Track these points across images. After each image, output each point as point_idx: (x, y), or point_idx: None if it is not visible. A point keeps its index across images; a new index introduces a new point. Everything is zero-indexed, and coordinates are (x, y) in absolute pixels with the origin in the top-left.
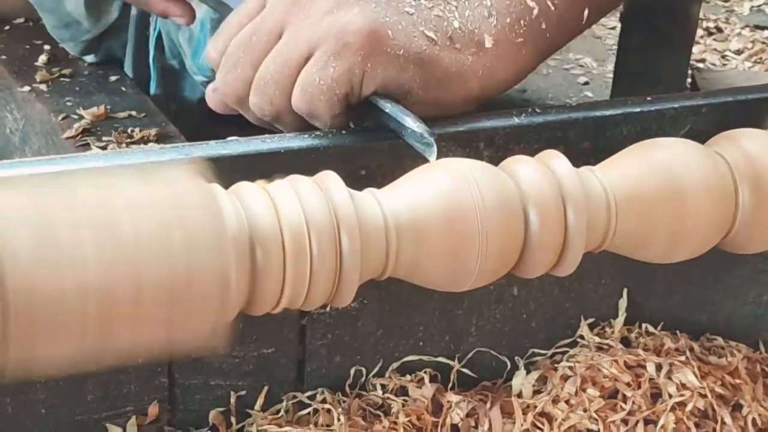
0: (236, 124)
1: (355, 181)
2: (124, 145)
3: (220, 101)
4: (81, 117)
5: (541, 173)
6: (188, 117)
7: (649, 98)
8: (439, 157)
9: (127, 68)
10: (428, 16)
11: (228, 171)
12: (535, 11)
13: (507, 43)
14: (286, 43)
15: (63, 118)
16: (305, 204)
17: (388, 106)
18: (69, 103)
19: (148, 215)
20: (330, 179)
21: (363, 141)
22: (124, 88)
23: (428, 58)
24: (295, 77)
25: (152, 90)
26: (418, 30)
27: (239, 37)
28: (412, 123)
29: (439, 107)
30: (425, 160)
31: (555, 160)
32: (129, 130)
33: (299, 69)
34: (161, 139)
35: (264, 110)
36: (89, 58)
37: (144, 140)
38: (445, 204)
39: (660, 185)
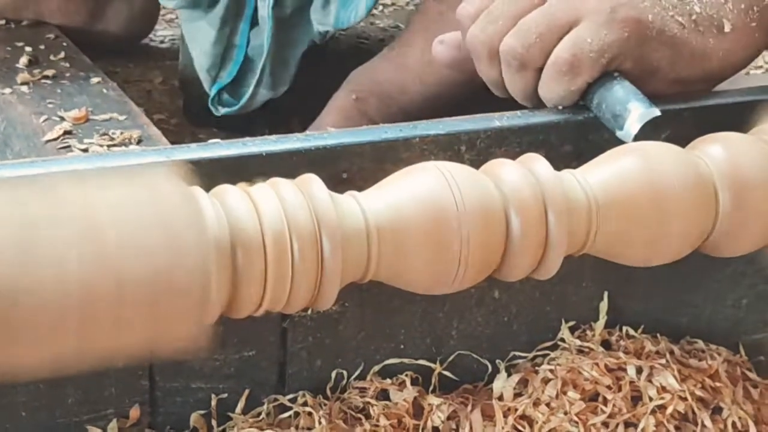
0: (217, 126)
1: (337, 184)
2: (105, 147)
3: (448, 54)
4: (62, 119)
5: (522, 177)
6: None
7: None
8: (420, 160)
9: (212, 19)
10: (672, 1)
11: (209, 174)
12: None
13: (743, 27)
14: (553, 5)
15: (44, 121)
16: (286, 207)
17: (625, 84)
18: (50, 105)
19: (130, 218)
20: (311, 182)
21: (344, 144)
22: (105, 90)
23: (679, 40)
24: (559, 36)
25: (266, 40)
26: (668, 14)
27: (501, 1)
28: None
29: (682, 84)
30: (406, 164)
31: (536, 163)
32: (110, 133)
33: (564, 30)
34: (143, 141)
35: (515, 54)
36: (172, 4)
37: (126, 142)
38: (426, 207)
39: (641, 189)
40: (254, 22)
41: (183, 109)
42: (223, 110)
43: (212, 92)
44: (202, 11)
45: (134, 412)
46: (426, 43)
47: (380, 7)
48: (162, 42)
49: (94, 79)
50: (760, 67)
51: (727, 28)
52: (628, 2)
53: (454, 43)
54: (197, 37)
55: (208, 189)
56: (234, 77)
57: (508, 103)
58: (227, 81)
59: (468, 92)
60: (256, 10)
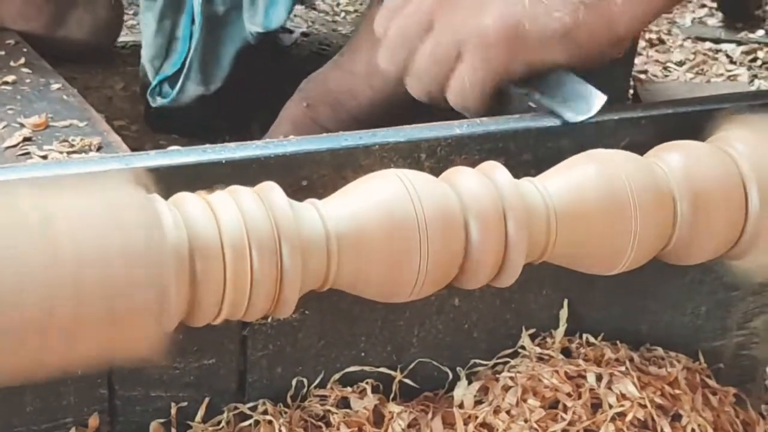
0: (177, 132)
1: (297, 191)
2: (65, 154)
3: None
4: (22, 126)
5: (481, 184)
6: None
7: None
8: (380, 168)
9: (154, 11)
10: None
11: (168, 181)
12: None
13: None
14: (436, 36)
15: (3, 127)
16: (246, 215)
17: (529, 95)
18: (10, 112)
19: (87, 225)
20: (271, 190)
21: (304, 151)
22: (65, 97)
23: (568, 29)
24: (448, 73)
25: (195, 35)
26: (550, 10)
27: (397, 22)
28: (556, 107)
29: (590, 60)
30: (366, 171)
31: (496, 171)
32: (70, 139)
33: (450, 66)
34: (103, 148)
35: (420, 97)
36: None
37: (85, 149)
38: (385, 215)
39: (600, 197)
40: None
41: (144, 116)
42: (159, 101)
43: (154, 82)
44: (152, 2)
45: (93, 421)
46: (372, 47)
47: (342, 14)
48: (123, 48)
49: (55, 86)
50: (721, 75)
51: None
52: (498, 17)
53: None
54: (145, 28)
55: (167, 197)
56: (177, 70)
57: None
58: (169, 73)
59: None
60: None
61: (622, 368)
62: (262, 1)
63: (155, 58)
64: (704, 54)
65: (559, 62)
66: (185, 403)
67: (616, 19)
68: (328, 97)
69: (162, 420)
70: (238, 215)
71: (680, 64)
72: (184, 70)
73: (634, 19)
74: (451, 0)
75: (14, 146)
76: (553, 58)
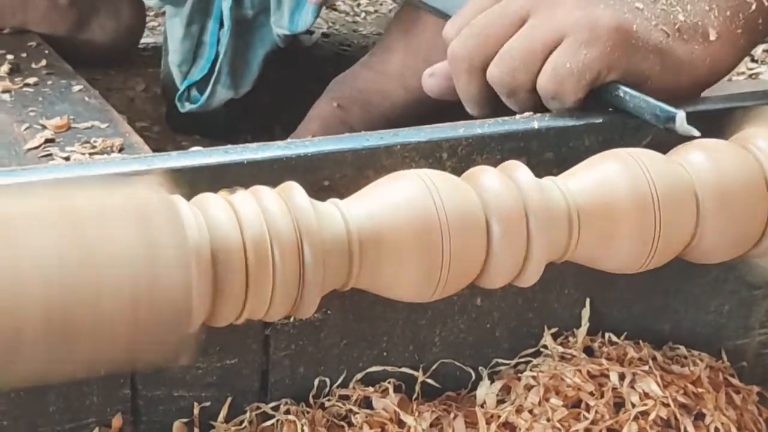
0: (199, 133)
1: (318, 191)
2: (87, 155)
3: (438, 85)
4: (44, 127)
5: (503, 184)
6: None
7: (610, 108)
8: (401, 168)
9: (182, 16)
10: (655, 11)
11: (190, 182)
12: (753, 6)
13: (728, 34)
14: (533, 26)
15: (26, 129)
16: (268, 215)
17: (629, 92)
18: (32, 114)
19: (110, 226)
20: (292, 190)
21: (326, 152)
22: (87, 98)
23: (665, 48)
24: (541, 58)
25: (224, 39)
26: (651, 24)
27: (484, 15)
28: (657, 102)
29: (670, 93)
30: (388, 171)
31: (517, 170)
32: (92, 141)
33: (546, 52)
34: (125, 149)
35: (503, 82)
36: (154, 3)
37: (107, 151)
38: (407, 215)
39: (622, 196)
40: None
41: (165, 117)
42: (188, 106)
43: (181, 88)
44: (179, 8)
45: (116, 421)
46: (406, 49)
47: (363, 14)
48: (144, 50)
49: (76, 87)
50: (742, 73)
51: (712, 36)
52: (610, 14)
53: (444, 73)
54: (172, 34)
55: (189, 197)
56: (205, 75)
57: None
58: (197, 78)
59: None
60: None
61: (645, 367)
62: (288, 5)
63: (183, 64)
64: None
65: (650, 76)
66: (208, 403)
67: (697, 62)
68: (359, 97)
69: (185, 420)
70: (260, 215)
71: None
72: (214, 75)
73: (714, 70)
74: None
75: (36, 148)
76: (649, 68)
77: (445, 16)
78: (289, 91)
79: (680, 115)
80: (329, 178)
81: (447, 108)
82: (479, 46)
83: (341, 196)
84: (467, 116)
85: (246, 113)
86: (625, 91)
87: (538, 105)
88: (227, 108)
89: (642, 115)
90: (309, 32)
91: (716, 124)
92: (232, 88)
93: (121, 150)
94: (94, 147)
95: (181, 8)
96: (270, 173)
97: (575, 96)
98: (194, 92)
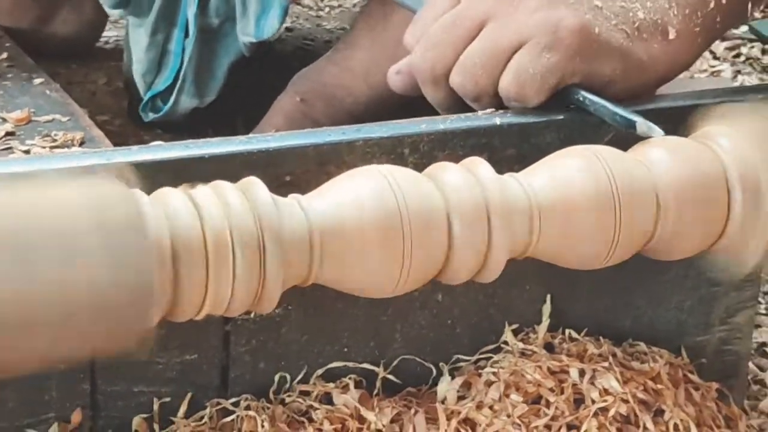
0: (161, 127)
1: (280, 186)
2: (47, 149)
3: (403, 82)
4: (4, 120)
5: (465, 180)
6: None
7: (572, 106)
8: (363, 163)
9: (146, 25)
10: (614, 9)
11: (151, 176)
12: (711, 4)
13: (687, 32)
14: (493, 30)
15: None
16: (228, 210)
17: (589, 97)
18: None
19: (70, 221)
20: (254, 185)
21: (288, 146)
22: (48, 92)
23: (625, 49)
24: (503, 63)
25: (188, 48)
26: (611, 23)
27: (442, 21)
28: (617, 109)
29: (630, 92)
30: (350, 167)
31: (479, 167)
32: (53, 134)
33: (508, 56)
34: (86, 143)
35: (466, 89)
36: (116, 13)
37: (68, 144)
38: (369, 211)
39: (583, 192)
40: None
41: (127, 111)
42: (152, 116)
43: (145, 98)
44: (143, 18)
45: (76, 416)
46: (371, 45)
47: (326, 9)
48: (107, 43)
49: (37, 80)
50: (705, 70)
51: (671, 35)
52: (572, 15)
53: (408, 71)
54: (137, 43)
55: (149, 192)
56: (169, 85)
57: None
58: (162, 88)
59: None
60: None
61: (605, 363)
62: (254, 11)
63: (147, 73)
64: None
65: (611, 77)
66: (168, 399)
67: (657, 61)
68: (323, 92)
69: (145, 415)
70: (221, 210)
71: None
72: (178, 83)
73: (672, 68)
74: (512, 0)
75: None
76: (610, 70)
77: (413, 10)
78: (251, 86)
79: (639, 122)
80: (291, 173)
81: (411, 104)
82: (439, 57)
83: (303, 192)
84: (432, 113)
85: (210, 120)
86: (584, 96)
87: (503, 105)
88: (192, 116)
89: (603, 118)
90: None
91: (677, 121)
92: (197, 97)
93: (81, 144)
94: (54, 140)
95: (145, 18)
96: (231, 168)
97: (537, 100)
98: (158, 102)
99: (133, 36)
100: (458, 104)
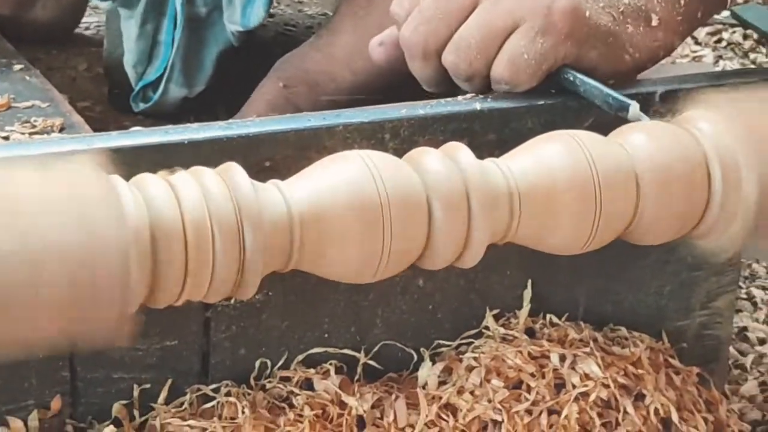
0: (142, 113)
1: (259, 172)
2: (27, 135)
3: (387, 54)
4: None
5: (445, 165)
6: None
7: (553, 90)
8: (343, 149)
9: (136, 16)
10: None
11: (130, 162)
12: None
13: (670, 20)
14: (488, 10)
15: None
16: (208, 196)
17: (580, 77)
18: None
19: (48, 206)
20: (233, 171)
21: (268, 132)
22: (28, 78)
23: (612, 34)
24: (498, 46)
25: (177, 37)
26: (599, 6)
27: None
28: (610, 91)
29: (612, 77)
30: (330, 152)
31: (459, 151)
32: (32, 120)
33: (502, 39)
34: (65, 129)
35: (459, 70)
36: (106, 5)
37: (47, 130)
38: (349, 196)
39: (563, 177)
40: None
41: (108, 97)
42: (142, 106)
43: (136, 88)
44: (133, 9)
45: (55, 403)
46: (354, 30)
47: None
48: (87, 29)
49: (17, 66)
50: (686, 56)
51: (654, 22)
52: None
53: (393, 42)
54: (128, 34)
55: (128, 178)
56: (160, 75)
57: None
58: (152, 78)
59: (398, 81)
60: None
61: (586, 349)
62: (240, 0)
63: (138, 64)
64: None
65: (598, 61)
66: (148, 385)
67: (640, 47)
68: (306, 78)
69: (125, 402)
70: (200, 196)
71: None
72: (167, 73)
73: (654, 55)
74: None
75: None
76: (597, 54)
77: None
78: (232, 72)
79: (634, 106)
80: (271, 158)
81: (395, 91)
82: (432, 33)
83: (283, 177)
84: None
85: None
86: (575, 76)
87: (490, 87)
88: (181, 106)
89: (592, 100)
90: None
91: (659, 106)
92: (185, 86)
93: (61, 130)
94: (34, 127)
95: (135, 9)
96: (211, 154)
97: (530, 84)
98: (149, 92)
99: (125, 28)
100: (445, 81)
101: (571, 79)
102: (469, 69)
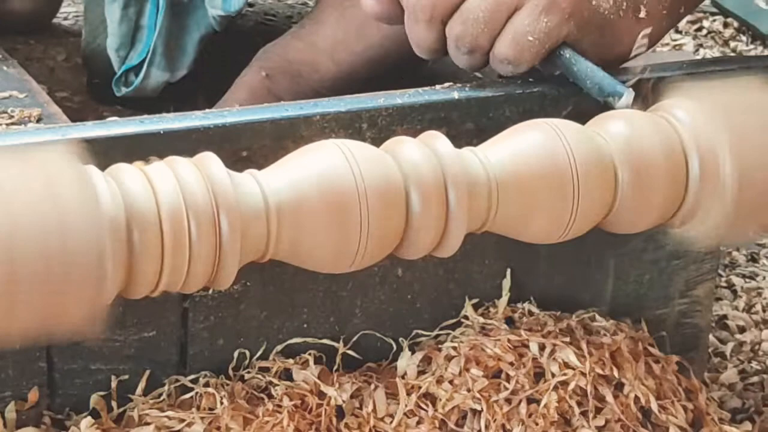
0: (121, 103)
1: (236, 162)
2: (4, 125)
3: (382, 9)
4: None
5: (422, 154)
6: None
7: (531, 79)
8: (321, 138)
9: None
10: None
11: (106, 152)
12: None
13: (656, 14)
14: None
15: None
16: (184, 186)
17: (576, 56)
18: None
19: (22, 197)
20: (209, 160)
21: (244, 121)
22: (5, 68)
23: (606, 21)
24: (503, 22)
25: (158, 23)
26: None
27: None
28: (606, 75)
29: (599, 64)
30: (307, 141)
31: (437, 140)
32: (9, 111)
33: (508, 14)
34: (43, 119)
35: (464, 41)
36: None
37: (24, 121)
38: (326, 185)
39: (541, 166)
40: None
41: (87, 86)
42: (124, 90)
43: (119, 72)
44: None
45: (32, 395)
46: (338, 21)
47: None
48: (65, 19)
49: None
50: (667, 44)
51: (642, 14)
52: None
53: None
54: (111, 17)
55: (104, 168)
56: (143, 59)
57: (415, 84)
58: (135, 62)
59: (381, 72)
60: None
61: (565, 338)
62: None
63: (121, 48)
64: None
65: (590, 46)
66: (126, 376)
67: (626, 37)
68: (288, 68)
69: (102, 393)
70: (176, 186)
71: None
72: (148, 56)
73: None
74: None
75: None
76: (592, 38)
77: None
78: (212, 61)
79: (629, 93)
80: (247, 148)
81: (378, 81)
82: (441, 8)
83: (259, 167)
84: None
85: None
86: (573, 55)
87: (479, 69)
88: (164, 91)
89: (582, 81)
90: None
91: (637, 94)
92: (168, 71)
93: (39, 120)
94: (11, 117)
95: None
96: (187, 143)
97: (532, 63)
98: (131, 76)
99: (107, 12)
100: (441, 50)
101: (567, 56)
102: (474, 42)
